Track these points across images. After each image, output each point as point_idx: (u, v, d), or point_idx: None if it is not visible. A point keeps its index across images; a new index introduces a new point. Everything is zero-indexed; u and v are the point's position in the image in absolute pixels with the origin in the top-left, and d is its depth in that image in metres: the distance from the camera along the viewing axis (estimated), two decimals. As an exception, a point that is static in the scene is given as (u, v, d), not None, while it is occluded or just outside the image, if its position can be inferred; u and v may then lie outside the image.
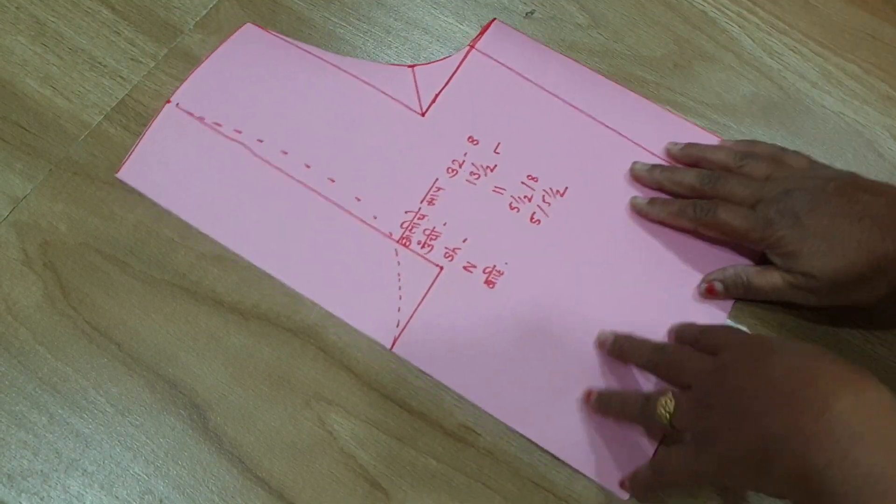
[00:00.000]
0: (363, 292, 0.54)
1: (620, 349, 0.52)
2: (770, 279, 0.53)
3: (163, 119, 0.58)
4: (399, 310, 0.54)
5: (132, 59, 0.61)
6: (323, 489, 0.49)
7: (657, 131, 0.61)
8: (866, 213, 0.50)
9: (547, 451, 0.51)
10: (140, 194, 0.56)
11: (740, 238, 0.54)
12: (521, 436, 0.51)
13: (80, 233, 0.55)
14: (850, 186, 0.52)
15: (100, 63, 0.60)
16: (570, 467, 0.51)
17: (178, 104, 0.59)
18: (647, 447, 0.51)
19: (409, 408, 0.52)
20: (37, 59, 0.60)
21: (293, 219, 0.56)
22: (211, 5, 0.63)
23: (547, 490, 0.50)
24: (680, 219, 0.56)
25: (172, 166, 0.57)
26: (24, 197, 0.56)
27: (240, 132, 0.58)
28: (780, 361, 0.43)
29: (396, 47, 0.63)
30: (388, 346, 0.53)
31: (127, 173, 0.57)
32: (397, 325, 0.54)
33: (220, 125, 0.58)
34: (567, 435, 0.51)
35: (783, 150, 0.57)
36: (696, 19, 0.65)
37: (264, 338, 0.53)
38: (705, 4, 0.66)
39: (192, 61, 0.61)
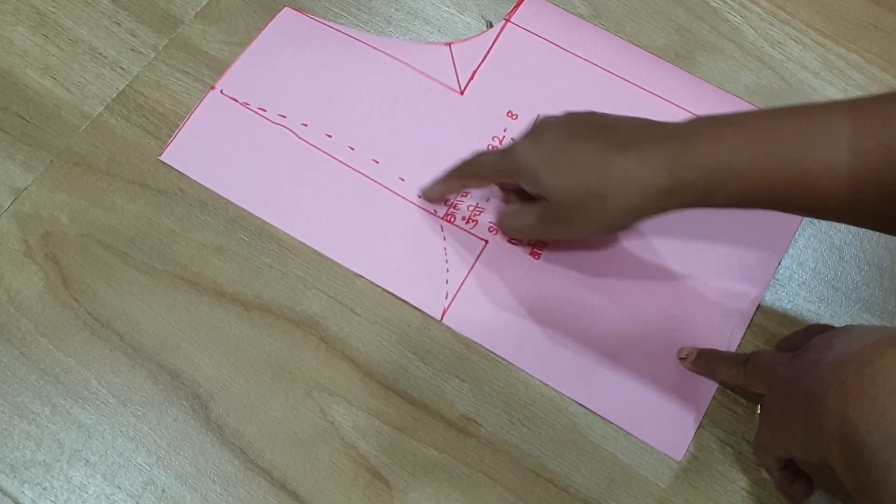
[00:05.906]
0: (411, 267, 0.55)
1: (706, 365, 0.52)
2: (523, 218, 0.53)
3: (207, 105, 0.59)
4: (447, 282, 0.55)
5: (133, 50, 0.61)
6: (324, 479, 0.50)
7: (696, 97, 0.61)
8: (602, 133, 0.48)
9: (547, 443, 0.51)
10: (140, 184, 0.56)
11: (499, 176, 0.54)
12: (522, 426, 0.51)
13: (81, 224, 0.55)
14: (598, 114, 0.51)
15: (100, 54, 0.60)
16: (571, 458, 0.51)
17: (221, 90, 0.59)
18: (697, 409, 0.52)
19: (411, 398, 0.52)
20: (37, 49, 0.60)
21: (340, 200, 0.57)
22: (211, -5, 0.62)
23: (547, 480, 0.50)
24: (451, 181, 0.55)
25: (217, 150, 0.58)
26: (26, 188, 0.56)
27: (284, 116, 0.59)
28: (843, 335, 0.43)
29: (397, 38, 0.63)
30: (438, 318, 0.54)
31: (170, 156, 0.57)
32: (446, 297, 0.54)
33: (264, 110, 0.59)
34: (618, 399, 0.52)
35: None
36: (698, 9, 0.65)
37: (266, 328, 0.53)
38: (707, -6, 0.66)
39: (192, 52, 0.60)
